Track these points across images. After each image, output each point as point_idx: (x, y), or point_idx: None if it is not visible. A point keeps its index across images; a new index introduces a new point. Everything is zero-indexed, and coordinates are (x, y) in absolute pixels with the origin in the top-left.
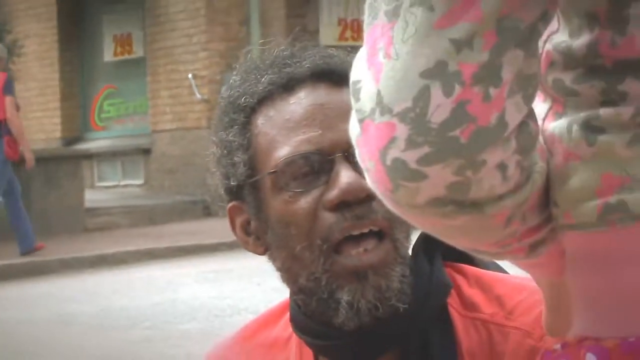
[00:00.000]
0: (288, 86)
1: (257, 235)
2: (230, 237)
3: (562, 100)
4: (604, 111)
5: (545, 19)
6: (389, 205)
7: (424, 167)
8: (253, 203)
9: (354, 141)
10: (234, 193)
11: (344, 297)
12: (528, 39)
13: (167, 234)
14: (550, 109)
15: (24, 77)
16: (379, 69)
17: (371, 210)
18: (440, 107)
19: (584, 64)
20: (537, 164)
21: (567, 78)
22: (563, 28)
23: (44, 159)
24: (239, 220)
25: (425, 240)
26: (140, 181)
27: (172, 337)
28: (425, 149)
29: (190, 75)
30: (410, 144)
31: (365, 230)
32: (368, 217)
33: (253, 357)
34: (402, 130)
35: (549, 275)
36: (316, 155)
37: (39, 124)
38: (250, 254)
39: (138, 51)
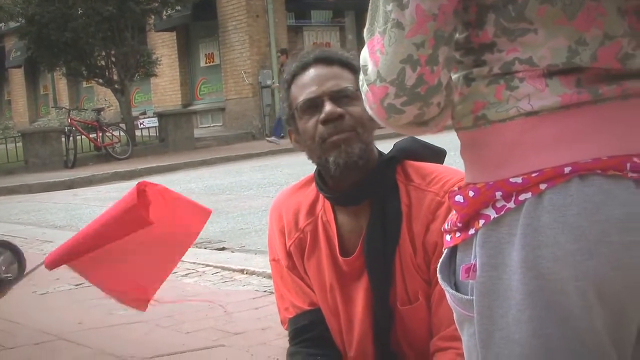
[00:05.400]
0: (303, 67)
1: (298, 142)
2: (265, 149)
3: (456, 66)
4: (475, 70)
5: (456, 29)
6: (383, 125)
7: (404, 107)
8: (294, 126)
9: (363, 95)
10: (288, 122)
11: (331, 158)
12: (449, 40)
13: (234, 149)
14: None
15: (162, 75)
16: (377, 59)
17: (342, 123)
18: (410, 77)
19: (465, 47)
20: (452, 96)
21: (457, 54)
22: (458, 31)
23: (173, 114)
24: (293, 136)
25: (388, 159)
26: (220, 124)
27: (242, 197)
28: (404, 98)
29: (243, 72)
30: (396, 96)
31: (341, 134)
32: (340, 127)
33: (300, 200)
34: (391, 90)
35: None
36: (314, 99)
37: (170, 97)
38: (278, 157)
39: (217, 61)
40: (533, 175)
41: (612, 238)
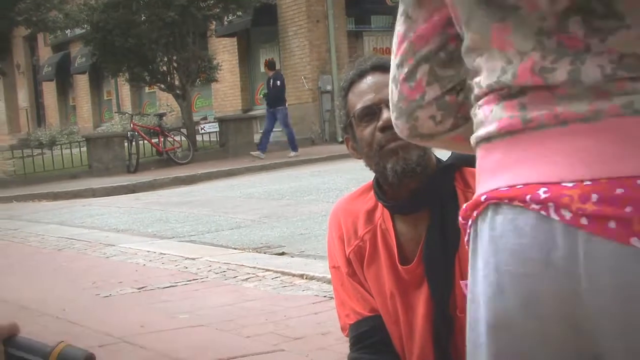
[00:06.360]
0: (360, 75)
1: (355, 149)
2: (324, 154)
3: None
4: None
5: (445, 48)
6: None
7: (396, 121)
8: (351, 134)
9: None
10: (345, 130)
11: (389, 165)
12: (431, 58)
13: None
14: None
15: (222, 80)
16: None
17: None
18: (393, 94)
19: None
20: (468, 117)
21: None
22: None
23: (234, 119)
24: (349, 144)
25: (446, 166)
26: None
27: (301, 202)
28: (394, 114)
29: (303, 77)
30: (391, 112)
31: (398, 141)
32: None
33: (358, 207)
34: (389, 107)
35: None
36: (371, 106)
37: (230, 102)
38: (337, 162)
39: (277, 66)
40: (469, 202)
41: (508, 267)
